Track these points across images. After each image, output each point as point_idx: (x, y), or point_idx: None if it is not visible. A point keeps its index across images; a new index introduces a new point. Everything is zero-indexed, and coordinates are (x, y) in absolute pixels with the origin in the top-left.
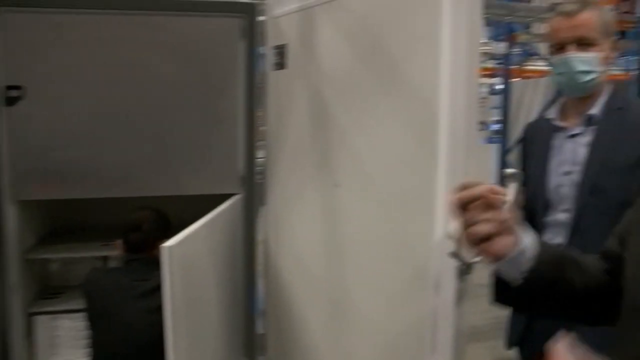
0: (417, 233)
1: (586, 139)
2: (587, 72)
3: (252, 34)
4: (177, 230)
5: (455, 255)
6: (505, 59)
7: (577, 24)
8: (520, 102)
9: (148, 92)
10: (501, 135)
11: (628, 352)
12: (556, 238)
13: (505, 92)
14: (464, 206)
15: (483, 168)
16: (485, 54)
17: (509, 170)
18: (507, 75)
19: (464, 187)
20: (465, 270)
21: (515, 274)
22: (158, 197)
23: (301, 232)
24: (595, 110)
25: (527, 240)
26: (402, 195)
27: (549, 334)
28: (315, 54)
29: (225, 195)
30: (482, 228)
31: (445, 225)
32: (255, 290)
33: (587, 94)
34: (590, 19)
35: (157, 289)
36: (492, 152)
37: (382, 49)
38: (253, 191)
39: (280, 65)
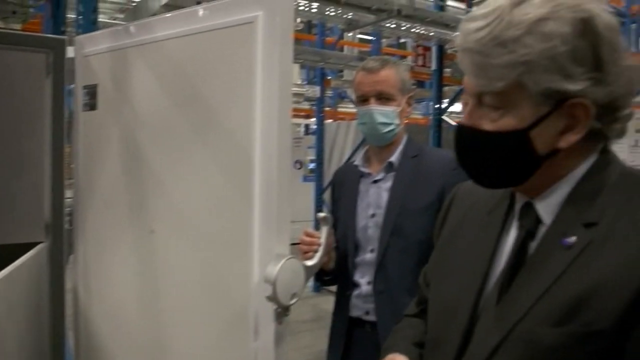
0: (234, 277)
1: (387, 184)
2: (387, 124)
3: (60, 71)
4: None
5: (272, 298)
6: (319, 101)
7: (378, 80)
8: (334, 143)
9: None
10: (316, 174)
11: None
12: (365, 277)
13: (319, 133)
14: None
15: (302, 207)
16: (300, 95)
17: (321, 214)
18: (321, 117)
19: None
20: (283, 312)
21: None
22: None
23: (115, 280)
24: (393, 158)
25: None
26: (219, 239)
27: None
28: (129, 96)
29: (28, 244)
30: None
31: (262, 269)
32: (64, 346)
33: (387, 143)
34: (389, 76)
35: None
36: (311, 190)
37: (198, 93)
38: (61, 239)
39: (91, 105)
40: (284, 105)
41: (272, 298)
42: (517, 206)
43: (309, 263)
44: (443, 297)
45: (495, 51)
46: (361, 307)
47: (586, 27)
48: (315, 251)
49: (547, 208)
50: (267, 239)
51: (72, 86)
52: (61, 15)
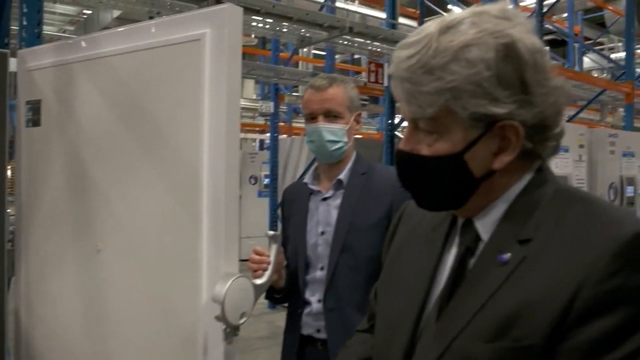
0: (183, 297)
1: (336, 201)
2: (335, 142)
3: (2, 85)
4: None
5: (221, 318)
6: (273, 116)
7: (326, 98)
8: (289, 158)
9: None
10: (271, 190)
11: None
12: (315, 294)
13: (274, 148)
14: None
15: (258, 222)
16: (254, 110)
17: (270, 232)
18: (275, 132)
19: None
20: (232, 332)
21: None
22: None
23: (59, 301)
24: (342, 175)
25: None
26: (167, 259)
27: None
28: (74, 112)
29: None
30: None
31: (211, 288)
32: None
33: (336, 161)
34: (337, 94)
35: None
36: (266, 205)
37: (145, 111)
38: (2, 260)
39: (35, 122)
40: (232, 121)
41: (221, 318)
42: (459, 223)
43: (258, 282)
44: (388, 314)
45: (423, 78)
46: (312, 325)
47: (509, 51)
48: (265, 269)
49: (485, 225)
50: (215, 258)
51: (15, 102)
52: (4, 27)
